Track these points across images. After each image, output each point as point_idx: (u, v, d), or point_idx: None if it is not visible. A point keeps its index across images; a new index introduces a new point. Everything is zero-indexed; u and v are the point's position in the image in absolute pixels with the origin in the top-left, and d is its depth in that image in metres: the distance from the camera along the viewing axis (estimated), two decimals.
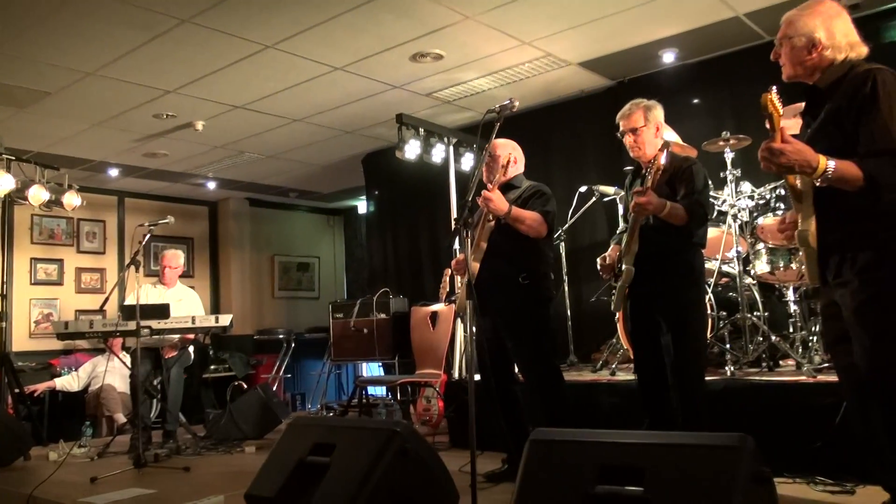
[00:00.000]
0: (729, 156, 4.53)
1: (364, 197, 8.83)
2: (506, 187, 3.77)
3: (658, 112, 3.49)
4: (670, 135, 4.57)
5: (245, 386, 6.32)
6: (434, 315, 5.74)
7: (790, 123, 3.53)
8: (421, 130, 6.16)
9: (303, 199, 9.98)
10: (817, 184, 2.34)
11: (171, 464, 4.81)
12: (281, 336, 8.81)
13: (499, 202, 3.57)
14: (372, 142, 7.40)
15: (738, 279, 4.36)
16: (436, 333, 5.64)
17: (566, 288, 5.67)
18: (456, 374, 5.70)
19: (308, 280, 10.43)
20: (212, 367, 8.42)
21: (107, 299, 5.27)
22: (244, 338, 9.21)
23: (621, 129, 3.49)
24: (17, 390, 6.15)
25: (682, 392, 3.24)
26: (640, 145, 3.43)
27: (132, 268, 4.99)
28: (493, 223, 3.67)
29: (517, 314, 3.66)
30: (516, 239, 3.65)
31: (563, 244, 5.68)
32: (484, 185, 3.80)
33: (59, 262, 8.33)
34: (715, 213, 4.69)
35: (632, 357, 3.61)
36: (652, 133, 3.44)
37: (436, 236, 7.50)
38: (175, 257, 6.09)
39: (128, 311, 5.12)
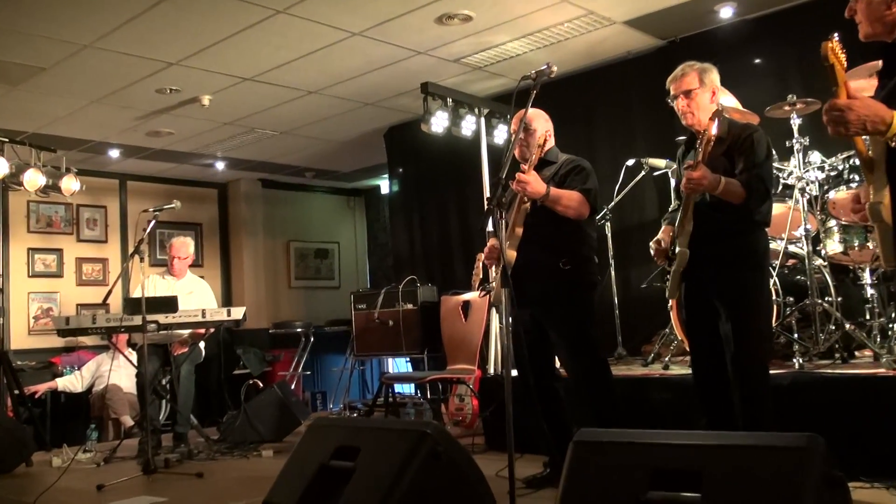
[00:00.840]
0: (796, 122, 4.46)
1: (387, 175, 8.85)
2: (539, 163, 3.75)
3: (714, 75, 3.45)
4: (728, 100, 4.51)
5: (261, 384, 6.40)
6: (466, 305, 5.75)
7: (863, 84, 3.47)
8: (449, 100, 6.14)
9: (320, 178, 10.04)
10: (893, 145, 2.28)
11: (182, 469, 4.90)
12: (299, 329, 8.90)
13: (535, 185, 3.56)
14: (395, 114, 7.40)
15: (806, 261, 4.30)
16: (468, 325, 5.65)
17: (612, 273, 5.64)
18: (491, 370, 5.72)
19: (327, 268, 10.51)
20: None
21: (110, 292, 5.37)
22: (259, 332, 9.31)
23: (672, 92, 3.45)
24: (16, 391, 6.29)
25: (743, 387, 3.21)
26: (693, 110, 3.39)
27: (136, 257, 5.07)
28: (528, 205, 3.66)
29: (558, 303, 3.66)
30: (555, 221, 3.64)
31: (608, 224, 5.65)
32: (518, 161, 3.79)
33: (59, 252, 8.48)
34: (780, 188, 4.63)
35: (687, 349, 3.59)
36: (707, 97, 3.40)
37: (467, 217, 7.50)
38: (184, 246, 6.16)
39: (133, 305, 5.20)
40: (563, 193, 3.62)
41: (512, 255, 3.59)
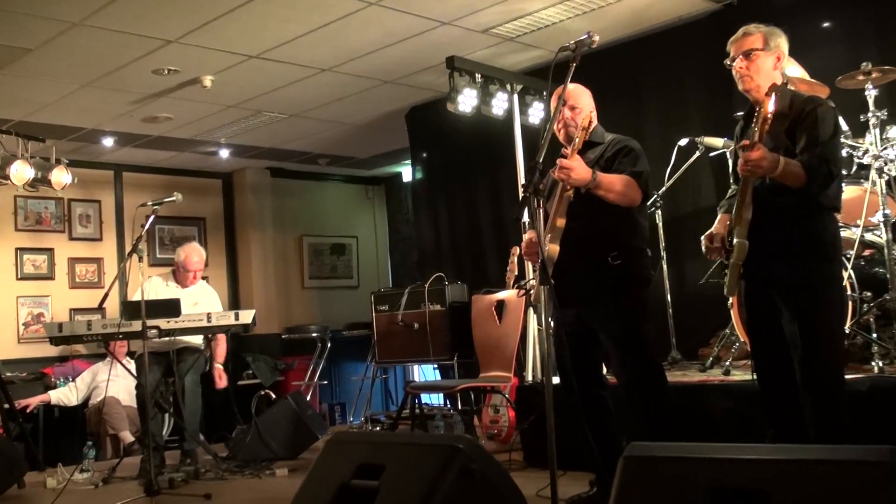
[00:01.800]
0: (871, 93, 4.40)
1: (409, 161, 8.86)
2: (584, 145, 3.74)
3: (782, 41, 3.41)
4: (795, 70, 4.47)
5: (273, 396, 6.44)
6: (500, 305, 5.75)
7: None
8: (477, 76, 6.13)
9: (335, 166, 10.08)
10: None
11: (188, 490, 4.96)
12: (314, 334, 8.95)
13: (580, 171, 3.54)
14: (417, 93, 7.40)
15: (885, 250, 4.25)
16: (503, 327, 5.65)
17: (665, 267, 5.61)
18: (529, 377, 5.71)
19: (344, 265, 10.56)
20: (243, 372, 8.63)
21: (106, 295, 5.42)
22: (270, 337, 9.38)
23: (732, 53, 3.42)
24: (6, 406, 6.38)
25: (814, 395, 3.18)
26: (752, 73, 3.36)
27: (134, 256, 5.12)
28: (570, 193, 3.65)
29: (606, 301, 3.65)
30: (602, 209, 3.62)
31: (659, 213, 5.61)
32: (558, 144, 3.78)
33: (49, 251, 8.59)
34: (854, 168, 4.57)
35: (750, 352, 3.56)
36: (770, 62, 3.37)
37: (500, 207, 7.49)
38: (200, 260, 6.18)
39: (131, 309, 5.26)
40: (612, 178, 3.60)
41: (553, 248, 3.58)
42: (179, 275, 6.17)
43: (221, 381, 6.18)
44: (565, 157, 3.59)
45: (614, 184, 3.60)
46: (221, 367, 6.22)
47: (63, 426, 7.54)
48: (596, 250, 3.66)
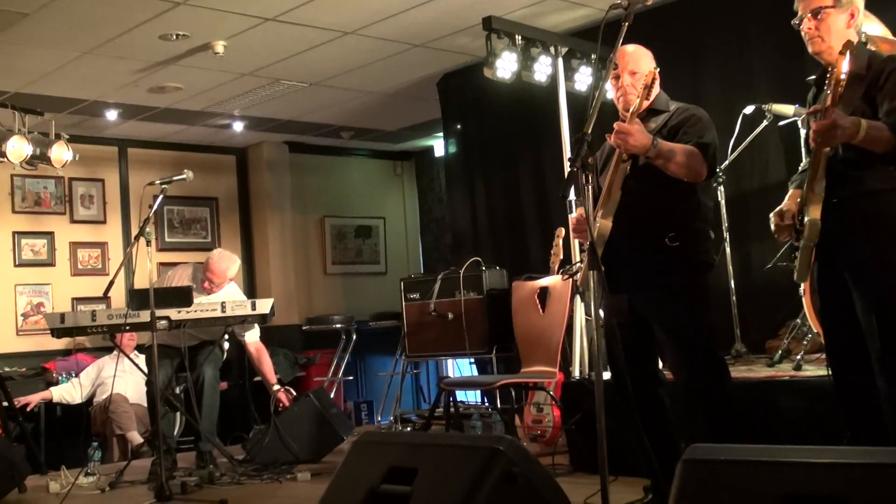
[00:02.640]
0: None
1: (442, 134, 8.84)
2: (644, 113, 3.71)
3: None
4: (874, 28, 4.39)
5: (293, 393, 6.49)
6: (544, 292, 5.73)
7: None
8: (517, 38, 6.10)
9: (360, 140, 10.09)
10: None
11: (203, 496, 5.01)
12: (338, 326, 8.99)
13: (639, 136, 3.51)
14: (451, 58, 7.39)
15: None
16: (547, 317, 5.64)
17: (728, 250, 5.57)
18: (577, 373, 5.70)
19: (371, 249, 10.59)
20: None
21: (111, 283, 5.46)
22: (289, 329, 9.45)
23: (799, 13, 3.37)
24: (5, 404, 6.48)
25: (894, 393, 3.15)
26: (822, 34, 3.31)
27: (141, 240, 5.17)
28: (627, 164, 3.62)
29: (664, 288, 3.64)
30: (662, 184, 3.60)
31: (721, 189, 5.57)
32: (609, 113, 3.76)
33: (49, 235, 8.70)
34: None
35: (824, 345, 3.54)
36: (842, 20, 3.32)
37: (543, 183, 7.46)
38: (227, 273, 6.14)
39: (139, 298, 5.31)
40: (675, 147, 3.57)
41: (606, 224, 3.57)
42: (207, 284, 6.15)
43: (287, 401, 6.23)
44: (623, 121, 3.57)
45: (677, 154, 3.56)
46: (280, 386, 6.30)
47: (66, 426, 7.64)
48: (652, 230, 3.64)
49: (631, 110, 3.60)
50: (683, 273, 3.64)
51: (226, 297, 6.11)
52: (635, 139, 3.51)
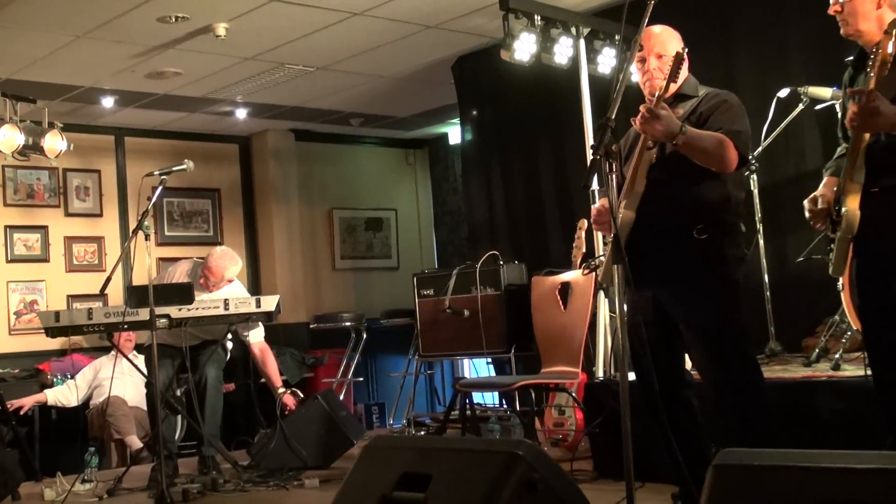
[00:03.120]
0: None
1: (457, 121, 8.84)
2: (676, 99, 3.70)
3: None
4: None
5: (301, 395, 6.51)
6: (565, 288, 5.73)
7: None
8: (536, 18, 6.09)
9: (370, 127, 10.10)
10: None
11: (205, 503, 5.03)
12: (347, 324, 9.01)
13: (667, 122, 3.50)
14: (466, 39, 7.38)
15: None
16: (569, 314, 5.63)
17: (761, 243, 5.55)
18: (600, 373, 5.70)
19: (382, 243, 10.60)
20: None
21: (108, 279, 5.48)
22: (296, 327, 9.48)
23: None
24: None
25: None
26: (847, 17, 3.30)
27: (140, 234, 5.19)
28: (653, 152, 3.61)
29: (692, 284, 3.63)
30: (690, 173, 3.59)
31: (754, 177, 5.55)
32: (634, 96, 3.75)
33: (43, 229, 8.74)
34: None
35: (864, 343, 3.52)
36: (870, 3, 3.29)
37: (564, 172, 7.46)
38: (226, 274, 6.14)
39: (138, 295, 5.34)
40: (704, 135, 3.56)
41: (629, 215, 3.56)
42: (205, 283, 6.16)
43: (293, 405, 6.24)
44: (653, 106, 3.55)
45: (706, 142, 3.55)
46: (286, 389, 6.30)
47: (62, 430, 7.69)
48: (679, 222, 3.63)
49: (657, 95, 3.58)
50: (712, 268, 3.63)
51: (228, 294, 6.12)
52: (662, 125, 3.49)
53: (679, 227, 3.63)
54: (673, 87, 3.67)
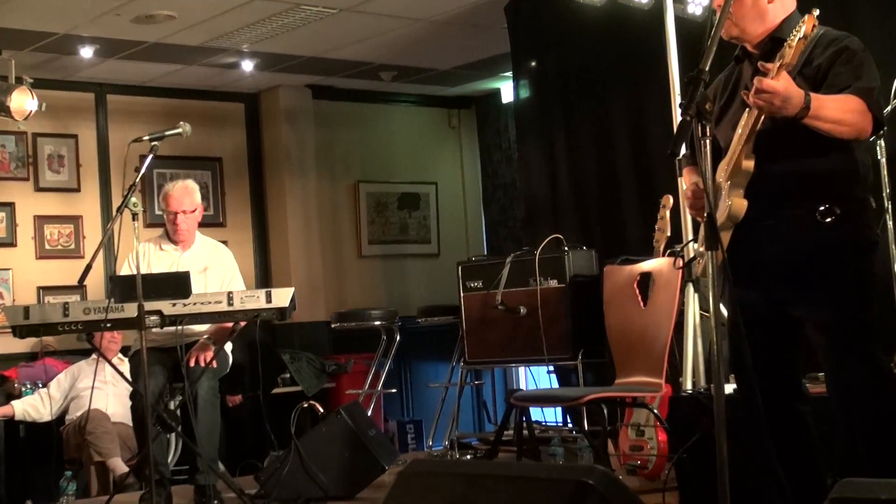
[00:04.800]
0: None
1: (511, 74, 8.82)
2: (772, 44, 3.65)
3: None
4: None
5: (321, 409, 6.53)
6: (646, 280, 5.70)
7: None
8: None
9: (404, 82, 10.08)
10: None
11: None
12: (376, 323, 9.00)
13: (790, 94, 3.42)
14: None
15: None
16: (650, 313, 5.61)
17: (889, 223, 5.49)
18: (688, 385, 5.68)
19: (419, 224, 10.60)
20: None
21: (88, 268, 5.49)
22: (314, 327, 9.53)
23: None
24: None
25: None
26: None
27: (126, 213, 5.21)
28: (759, 114, 3.57)
29: (813, 276, 3.61)
30: (809, 141, 3.55)
31: (881, 143, 5.48)
32: (739, 48, 3.72)
33: (8, 207, 8.81)
34: None
35: None
36: None
37: (644, 137, 7.43)
38: (186, 193, 6.26)
39: (123, 288, 5.36)
40: (831, 102, 3.50)
41: (741, 206, 3.54)
42: (173, 229, 6.23)
43: (203, 356, 5.93)
44: (765, 73, 3.49)
45: (835, 110, 3.49)
46: (213, 347, 6.03)
47: (32, 450, 7.74)
48: (798, 202, 3.60)
49: (777, 61, 3.48)
50: (841, 256, 3.59)
51: (220, 269, 6.19)
52: (784, 100, 3.40)
53: (799, 207, 3.60)
54: (790, 52, 3.56)
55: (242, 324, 5.94)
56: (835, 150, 3.59)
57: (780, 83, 3.41)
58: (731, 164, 3.59)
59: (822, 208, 3.58)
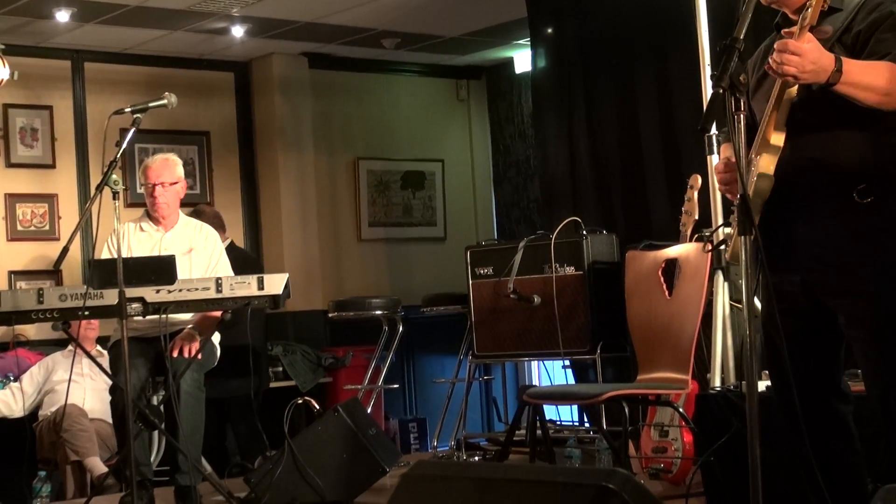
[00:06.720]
0: None
1: (527, 41, 8.81)
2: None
3: None
4: None
5: (316, 406, 6.54)
6: (671, 266, 5.70)
7: None
8: None
9: (408, 49, 10.07)
10: None
11: None
12: (377, 313, 9.00)
13: (815, 57, 3.40)
14: None
15: None
16: (676, 303, 5.61)
17: None
18: (717, 381, 5.68)
19: (424, 205, 10.60)
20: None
21: (65, 250, 5.50)
22: (310, 317, 9.55)
23: None
24: None
25: None
26: None
27: (106, 191, 5.21)
28: (794, 88, 3.56)
29: (852, 263, 3.60)
30: (847, 115, 3.54)
31: None
32: (767, 9, 3.71)
33: None
34: None
35: None
36: None
37: (670, 111, 7.42)
38: (166, 166, 6.25)
39: (103, 273, 5.36)
40: (866, 67, 3.48)
41: (767, 180, 3.53)
42: (153, 206, 6.22)
43: (187, 347, 5.96)
44: (790, 35, 3.49)
45: (871, 76, 3.47)
46: (199, 336, 6.05)
47: (3, 449, 7.74)
48: (835, 182, 3.58)
49: (800, 22, 3.49)
50: (881, 240, 3.58)
51: (205, 250, 6.21)
52: (808, 63, 3.40)
53: (836, 188, 3.58)
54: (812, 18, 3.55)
55: (229, 315, 5.95)
56: (872, 126, 3.57)
57: (805, 44, 3.37)
58: (760, 137, 3.58)
59: (860, 188, 3.57)
